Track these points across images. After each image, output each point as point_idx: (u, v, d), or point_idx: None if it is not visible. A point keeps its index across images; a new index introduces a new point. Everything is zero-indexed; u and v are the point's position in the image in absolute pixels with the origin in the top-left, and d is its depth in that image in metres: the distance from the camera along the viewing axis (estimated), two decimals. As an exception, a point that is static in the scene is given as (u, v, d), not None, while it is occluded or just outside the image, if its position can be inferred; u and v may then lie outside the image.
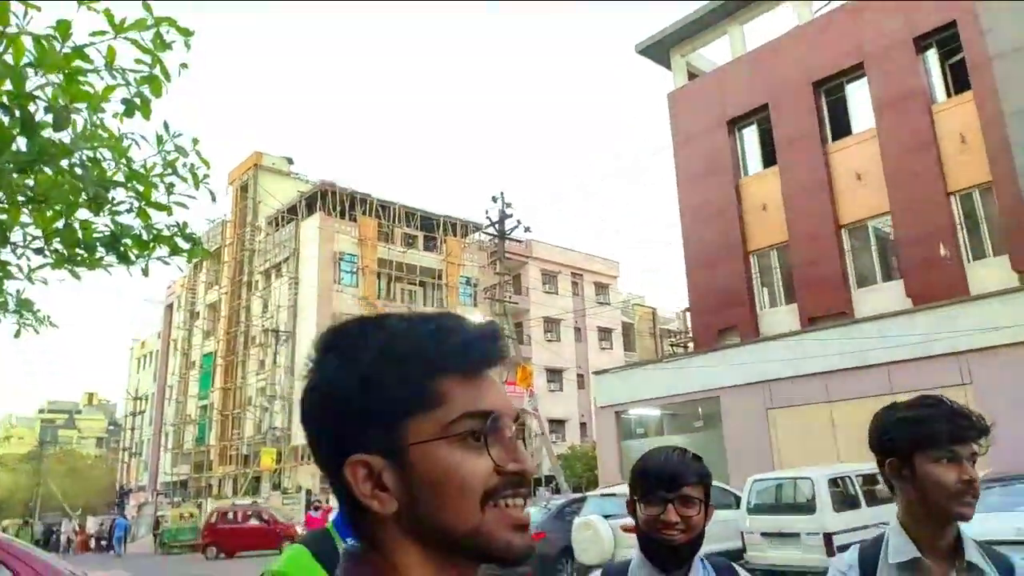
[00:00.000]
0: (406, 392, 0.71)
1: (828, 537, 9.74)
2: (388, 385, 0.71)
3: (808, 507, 10.37)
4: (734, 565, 1.90)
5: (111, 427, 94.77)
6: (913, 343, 15.09)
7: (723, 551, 9.31)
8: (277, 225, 43.22)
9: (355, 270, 40.66)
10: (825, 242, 19.98)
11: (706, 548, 1.82)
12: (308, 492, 34.40)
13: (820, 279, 19.82)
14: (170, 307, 56.10)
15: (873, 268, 19.94)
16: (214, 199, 5.21)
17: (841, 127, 20.90)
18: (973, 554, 1.59)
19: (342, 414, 0.72)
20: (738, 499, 11.73)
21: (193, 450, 46.25)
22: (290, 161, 48.18)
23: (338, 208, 40.95)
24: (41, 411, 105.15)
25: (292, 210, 42.13)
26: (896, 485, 1.64)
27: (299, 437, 36.74)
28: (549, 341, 43.93)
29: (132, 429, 57.84)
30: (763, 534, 10.54)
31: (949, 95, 19.09)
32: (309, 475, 36.21)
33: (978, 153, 17.60)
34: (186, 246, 4.83)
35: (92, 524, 42.15)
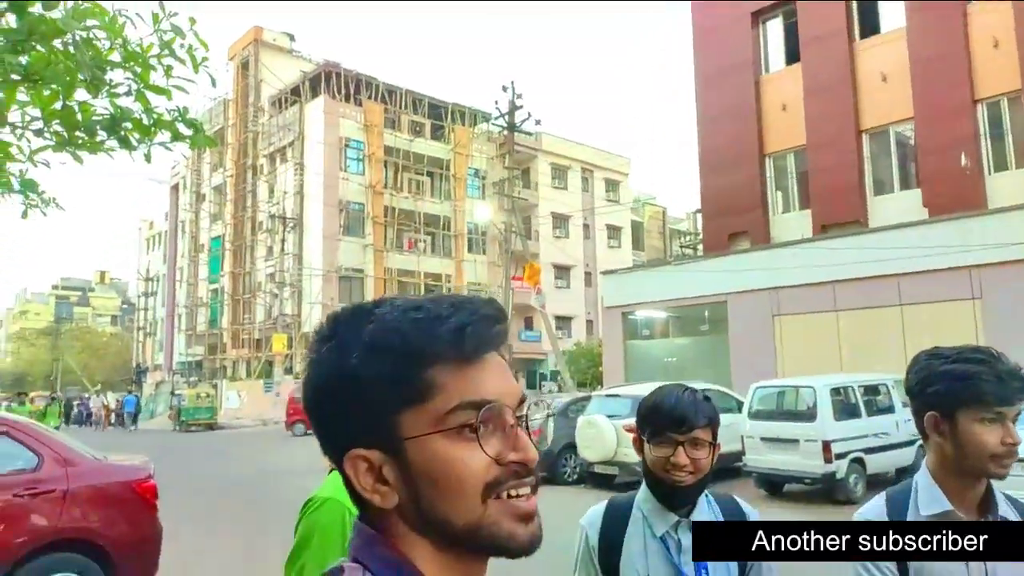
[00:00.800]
0: (396, 385, 0.68)
1: (827, 444, 9.97)
2: (377, 379, 0.69)
3: (808, 415, 10.56)
4: (738, 500, 1.90)
5: (124, 306, 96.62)
6: (925, 255, 14.91)
7: (723, 453, 9.54)
8: (280, 106, 42.23)
9: (361, 157, 40.04)
10: (844, 147, 19.44)
11: None
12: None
13: (836, 185, 19.42)
14: (175, 188, 55.83)
15: (891, 176, 19.50)
16: (214, 83, 4.98)
17: (870, 25, 19.90)
18: (1004, 508, 1.57)
19: (338, 409, 0.71)
20: (740, 404, 11.95)
21: (206, 332, 47.24)
22: (292, 38, 46.45)
23: (343, 91, 39.84)
24: (55, 287, 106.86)
25: (295, 91, 41.02)
26: (931, 436, 1.58)
27: (309, 323, 37.41)
28: (557, 238, 43.81)
29: (145, 309, 58.98)
30: (763, 439, 10.79)
31: (988, -6, 18.03)
32: (317, 361, 37.09)
33: (1010, 59, 16.81)
34: (188, 132, 4.67)
35: (111, 400, 43.83)
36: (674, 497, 1.74)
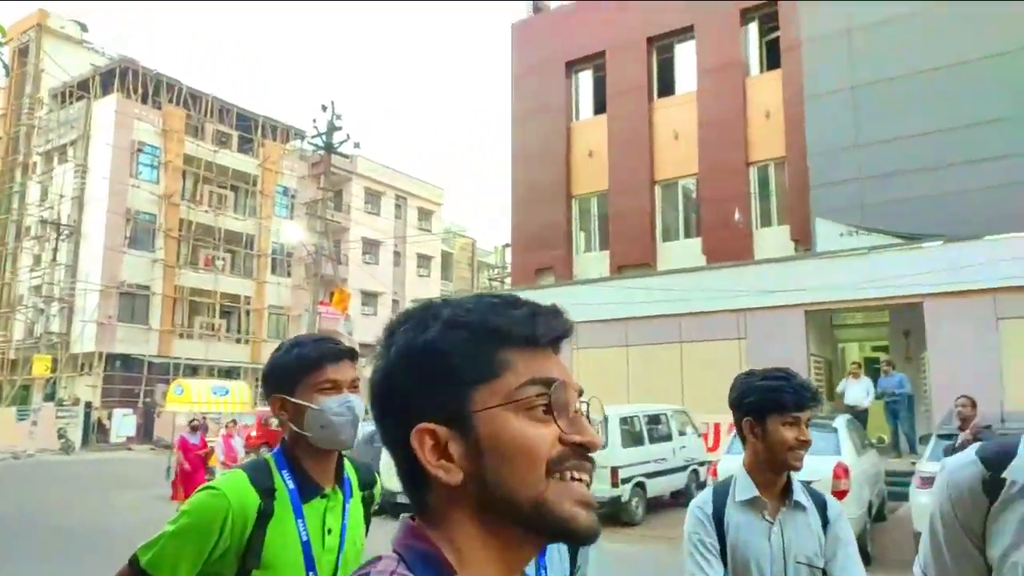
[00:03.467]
0: (471, 360, 0.72)
1: (614, 470, 10.65)
2: (453, 353, 0.72)
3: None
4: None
5: None
6: (702, 298, 16.56)
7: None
8: (64, 101, 38.01)
9: (157, 164, 36.98)
10: (640, 195, 21.21)
11: None
12: (88, 404, 31.64)
13: (631, 230, 21.09)
14: (-80, 182, 47.95)
15: (678, 224, 21.53)
16: (8, 72, 4.44)
17: (667, 85, 22.01)
18: (799, 494, 2.08)
19: (409, 383, 0.73)
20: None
21: (-55, 349, 40.62)
22: (84, 28, 42.07)
23: (140, 91, 36.69)
24: None
25: (83, 86, 37.12)
26: (748, 438, 2.06)
27: (79, 344, 33.50)
28: (367, 263, 43.14)
29: None
30: (560, 467, 11.26)
31: (762, 70, 20.71)
32: (88, 386, 33.25)
33: (778, 129, 19.39)
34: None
35: None
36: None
